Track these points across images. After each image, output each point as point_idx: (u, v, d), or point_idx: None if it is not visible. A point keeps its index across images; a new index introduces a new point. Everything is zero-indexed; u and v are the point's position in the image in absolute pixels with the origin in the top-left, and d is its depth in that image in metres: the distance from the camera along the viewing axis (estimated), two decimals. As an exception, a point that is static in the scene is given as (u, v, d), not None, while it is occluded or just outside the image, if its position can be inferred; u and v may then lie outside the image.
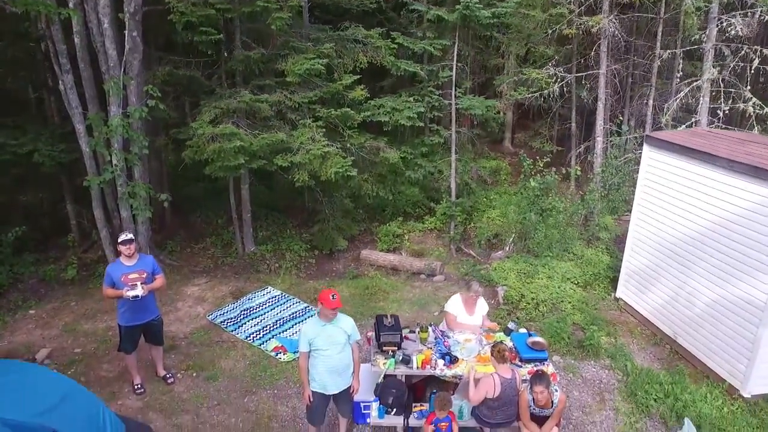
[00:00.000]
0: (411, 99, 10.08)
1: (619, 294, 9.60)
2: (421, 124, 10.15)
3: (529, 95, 12.06)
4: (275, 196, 13.59)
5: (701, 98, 11.31)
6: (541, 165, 10.43)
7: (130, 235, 6.29)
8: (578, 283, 10.03)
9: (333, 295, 5.20)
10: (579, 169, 10.85)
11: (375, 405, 5.73)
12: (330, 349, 5.25)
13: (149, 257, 6.60)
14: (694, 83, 11.30)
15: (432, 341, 6.50)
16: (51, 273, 9.67)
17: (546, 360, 6.39)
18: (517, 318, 8.47)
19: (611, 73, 11.92)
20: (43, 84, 10.78)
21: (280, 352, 7.64)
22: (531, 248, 11.01)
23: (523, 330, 6.90)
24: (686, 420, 6.48)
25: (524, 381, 5.74)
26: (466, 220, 12.66)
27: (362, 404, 6.19)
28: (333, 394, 5.46)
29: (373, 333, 6.45)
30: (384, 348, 6.08)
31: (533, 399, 5.47)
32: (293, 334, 8.14)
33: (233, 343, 7.89)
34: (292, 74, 8.35)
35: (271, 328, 8.29)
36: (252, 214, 11.04)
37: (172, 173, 14.12)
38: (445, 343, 6.33)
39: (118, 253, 6.42)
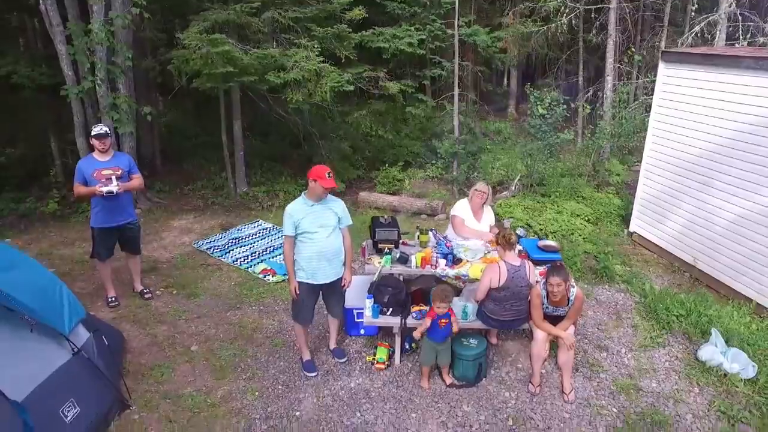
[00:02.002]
0: (412, 29, 9.47)
1: (632, 228, 9.02)
2: (422, 52, 9.54)
3: (536, 29, 11.41)
4: (272, 149, 13.04)
5: (717, 34, 10.68)
6: (549, 100, 9.81)
7: (106, 129, 5.73)
8: (589, 219, 9.46)
9: (329, 173, 4.63)
10: (588, 106, 10.22)
11: (369, 303, 5.16)
12: (318, 232, 4.69)
13: (125, 155, 6.06)
14: (710, 18, 10.67)
15: (433, 243, 5.94)
16: (31, 207, 9.14)
17: (557, 261, 5.81)
18: (527, 224, 7.88)
19: (622, 10, 11.29)
20: (23, 7, 10.20)
21: (269, 275, 7.08)
22: (537, 188, 10.44)
23: (532, 237, 6.33)
24: (714, 331, 5.90)
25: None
26: (469, 168, 12.09)
27: (355, 311, 5.65)
28: (322, 287, 4.89)
29: (369, 238, 5.91)
30: (380, 246, 5.51)
31: (547, 294, 4.89)
32: (284, 259, 7.57)
33: (218, 266, 7.35)
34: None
35: (261, 254, 7.74)
36: (247, 160, 10.48)
37: (165, 132, 13.70)
38: (448, 245, 5.76)
39: (91, 149, 5.87)
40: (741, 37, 10.70)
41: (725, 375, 5.47)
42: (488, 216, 6.43)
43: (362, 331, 5.74)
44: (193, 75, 8.01)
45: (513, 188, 10.57)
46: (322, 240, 4.70)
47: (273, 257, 7.64)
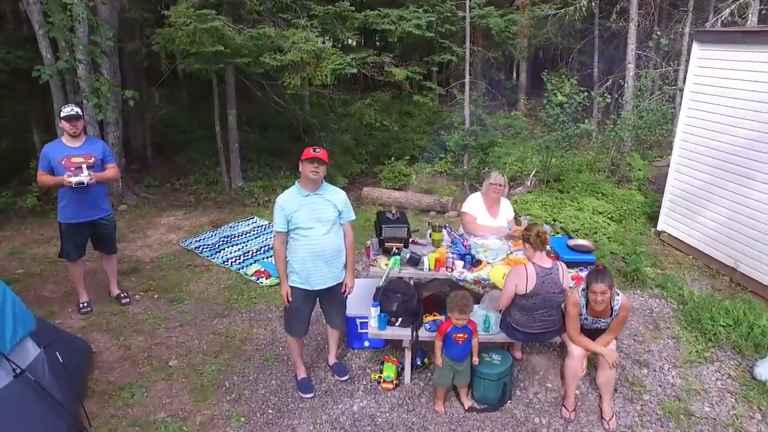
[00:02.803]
0: (420, 10, 8.73)
1: (660, 227, 8.25)
2: (431, 35, 8.80)
3: (552, 12, 10.63)
4: (270, 142, 12.31)
5: (750, 17, 9.90)
6: (568, 88, 9.05)
7: (77, 110, 4.98)
8: (612, 217, 8.73)
9: (315, 149, 3.91)
10: (608, 95, 9.46)
11: (374, 312, 4.42)
12: (314, 228, 3.95)
13: (99, 141, 5.32)
14: (738, 1, 9.89)
15: (448, 242, 5.20)
16: (8, 202, 8.43)
17: (593, 264, 5.07)
18: (554, 221, 7.13)
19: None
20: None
21: (262, 277, 6.35)
22: (554, 184, 9.70)
23: (560, 235, 5.58)
24: (771, 346, 5.16)
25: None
26: (480, 163, 11.34)
27: (358, 321, 4.91)
28: (319, 293, 4.15)
29: (374, 236, 5.17)
30: (387, 245, 4.77)
31: (586, 303, 4.14)
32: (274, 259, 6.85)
33: (207, 267, 6.62)
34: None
35: (254, 254, 7.01)
36: (242, 154, 9.74)
37: (159, 125, 13.02)
38: (465, 244, 5.02)
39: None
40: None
41: (788, 396, 4.74)
42: (506, 210, 5.68)
43: (366, 344, 5.00)
44: (181, 57, 7.28)
45: (528, 183, 9.82)
46: (318, 237, 3.97)
47: (267, 257, 6.91)
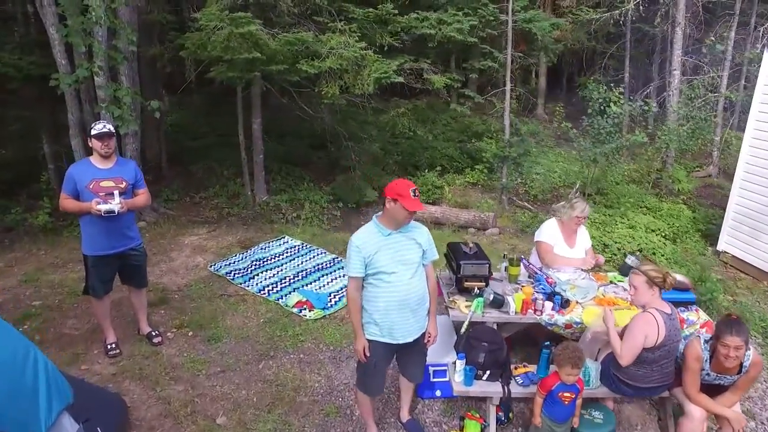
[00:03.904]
0: (460, 13, 8.13)
1: (722, 246, 7.68)
2: (474, 40, 8.22)
3: (597, 16, 10.05)
4: (289, 151, 11.69)
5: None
6: (616, 95, 8.46)
7: (110, 126, 4.37)
8: (666, 236, 8.15)
9: (414, 190, 3.28)
10: (654, 103, 8.90)
11: (459, 365, 3.81)
12: (398, 272, 3.34)
13: (131, 162, 4.70)
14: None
15: (527, 280, 4.62)
16: (17, 218, 7.80)
17: (693, 304, 4.49)
18: (639, 251, 6.54)
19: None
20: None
21: (305, 308, 5.73)
22: (599, 200, 9.12)
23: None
24: None
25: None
26: (512, 173, 10.75)
27: (432, 369, 4.31)
28: (400, 346, 3.54)
29: (447, 270, 4.58)
30: (466, 285, 4.17)
31: (710, 356, 3.55)
32: (321, 287, 6.26)
33: (242, 296, 5.99)
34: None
35: (292, 281, 6.39)
36: (265, 165, 9.13)
37: (170, 130, 12.39)
38: (549, 281, 4.42)
39: (89, 152, 4.54)
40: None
41: None
42: (583, 239, 5.12)
43: (438, 393, 4.39)
44: (209, 63, 6.66)
45: (572, 198, 9.21)
46: (403, 283, 3.36)
47: (306, 284, 6.30)
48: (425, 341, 3.65)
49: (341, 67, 6.57)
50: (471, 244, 4.35)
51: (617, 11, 9.79)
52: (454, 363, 3.94)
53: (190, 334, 5.19)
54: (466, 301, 4.17)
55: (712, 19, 11.20)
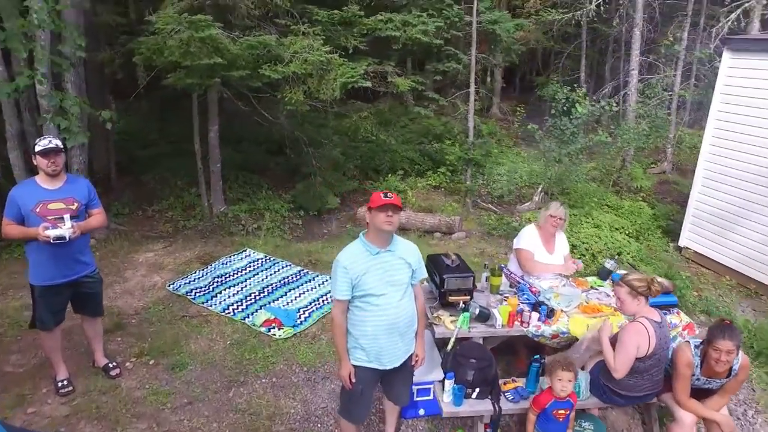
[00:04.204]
0: (424, 14, 7.95)
1: (683, 242, 7.82)
2: (440, 42, 8.06)
3: (560, 17, 10.11)
4: (247, 159, 11.22)
5: (750, 24, 9.65)
6: (580, 94, 8.50)
7: (57, 141, 3.93)
8: (630, 233, 8.23)
9: (386, 193, 3.08)
10: (614, 103, 9.01)
11: (448, 384, 3.61)
12: (387, 294, 3.12)
13: (83, 180, 4.25)
14: (744, 5, 9.59)
15: (509, 289, 4.48)
16: (-53, 242, 7.13)
17: (675, 306, 4.46)
18: (617, 254, 6.51)
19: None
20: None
21: (274, 327, 5.43)
22: (562, 199, 9.13)
23: (623, 271, 4.93)
24: None
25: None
26: (474, 176, 10.68)
27: (415, 387, 4.10)
28: (387, 371, 3.31)
29: (428, 283, 4.38)
30: (451, 299, 3.98)
31: (702, 363, 3.50)
32: (288, 303, 5.96)
33: (206, 317, 5.62)
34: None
35: (257, 297, 6.06)
36: (222, 173, 8.70)
37: (117, 138, 11.71)
38: (533, 290, 4.29)
39: (29, 167, 4.09)
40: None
41: None
42: (562, 245, 5.04)
43: (421, 411, 4.19)
44: (164, 69, 6.24)
45: (537, 198, 9.22)
46: (393, 306, 3.14)
47: (273, 301, 5.99)
48: (412, 363, 3.43)
49: (306, 71, 6.27)
50: (453, 256, 4.17)
51: (579, 12, 9.87)
52: (441, 382, 3.76)
53: (152, 362, 4.80)
54: (451, 316, 3.98)
55: (666, 21, 11.47)
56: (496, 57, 9.78)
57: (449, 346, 3.79)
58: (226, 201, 8.92)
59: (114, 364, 4.63)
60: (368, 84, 6.81)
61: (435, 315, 3.99)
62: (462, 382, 3.64)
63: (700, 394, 3.67)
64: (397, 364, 3.27)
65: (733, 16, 9.14)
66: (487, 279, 4.45)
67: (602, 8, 10.07)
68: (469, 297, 3.97)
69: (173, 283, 6.29)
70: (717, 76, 7.12)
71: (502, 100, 19.89)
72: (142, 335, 5.21)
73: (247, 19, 6.53)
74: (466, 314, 3.86)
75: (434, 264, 4.18)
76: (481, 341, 3.96)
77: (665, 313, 4.24)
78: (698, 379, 3.59)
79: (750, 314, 6.31)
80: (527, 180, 9.58)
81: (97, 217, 4.13)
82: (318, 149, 9.43)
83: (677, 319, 4.28)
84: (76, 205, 3.94)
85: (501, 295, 4.36)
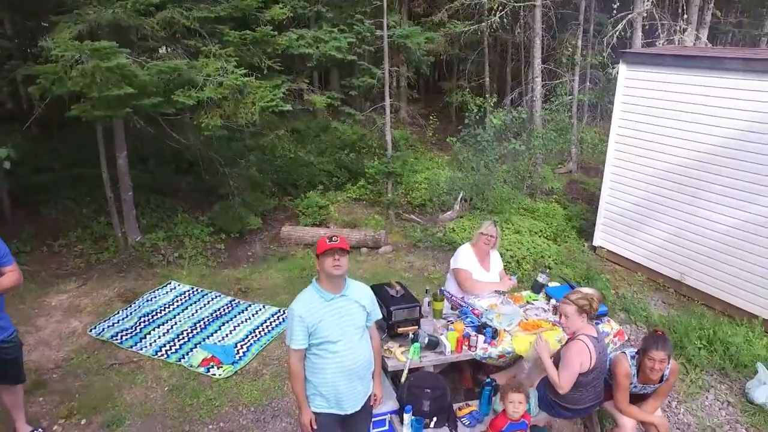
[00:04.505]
0: (335, 30, 7.93)
1: (597, 242, 8.36)
2: (353, 58, 8.09)
3: (466, 29, 10.48)
4: (154, 177, 10.66)
5: (634, 32, 10.50)
6: (491, 104, 8.86)
7: None
8: (548, 236, 8.68)
9: (332, 237, 3.07)
10: (523, 110, 9.48)
11: (407, 418, 3.64)
12: (344, 339, 3.10)
13: None
14: (628, 16, 10.43)
15: (452, 313, 4.58)
16: None
17: (606, 316, 4.76)
18: (548, 268, 6.79)
19: (546, 7, 10.73)
20: None
21: (212, 366, 5.22)
22: (481, 206, 9.47)
23: (555, 283, 5.21)
24: (760, 366, 5.24)
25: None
26: (396, 187, 10.80)
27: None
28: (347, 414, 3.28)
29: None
30: (400, 331, 4.02)
31: (638, 371, 3.78)
32: (224, 338, 5.75)
33: (137, 363, 5.30)
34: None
35: (190, 335, 5.80)
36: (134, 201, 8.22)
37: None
38: (475, 312, 4.43)
39: None
40: (660, 35, 10.65)
41: (789, 417, 4.83)
42: (496, 262, 5.23)
43: (377, 442, 4.19)
44: (65, 98, 5.77)
45: (457, 207, 9.49)
46: (350, 351, 3.12)
47: (208, 337, 5.75)
48: (371, 404, 3.44)
49: (221, 95, 6.06)
50: (397, 286, 4.20)
51: (484, 23, 10.29)
52: (398, 416, 3.78)
53: (83, 422, 4.46)
54: (401, 346, 4.02)
55: (561, 28, 12.23)
56: (409, 69, 9.99)
57: (403, 378, 3.82)
58: (141, 229, 8.43)
59: (40, 430, 4.25)
60: (288, 107, 6.68)
61: (385, 347, 4.01)
62: (419, 414, 3.68)
63: (636, 398, 3.97)
64: (358, 408, 3.26)
65: (620, 26, 9.91)
66: (429, 304, 4.53)
67: (505, 19, 10.58)
68: (417, 327, 4.02)
69: (95, 327, 5.87)
70: (609, 80, 7.65)
71: (408, 103, 20.31)
72: (67, 392, 4.82)
73: (152, 40, 6.19)
74: (417, 344, 3.91)
75: (379, 296, 4.17)
76: (431, 369, 4.03)
77: (597, 323, 4.54)
78: (635, 387, 3.88)
79: (661, 306, 6.87)
80: (445, 187, 9.82)
81: (11, 275, 3.76)
82: (234, 168, 9.14)
83: (608, 327, 4.58)
84: (-15, 265, 3.58)
85: (445, 319, 4.46)
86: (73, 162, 11.05)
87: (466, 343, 4.09)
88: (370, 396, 3.39)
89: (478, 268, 4.98)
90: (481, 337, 4.13)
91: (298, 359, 3.12)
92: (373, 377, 3.39)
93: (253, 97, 6.17)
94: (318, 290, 3.11)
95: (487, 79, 13.92)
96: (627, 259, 7.84)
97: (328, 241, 3.06)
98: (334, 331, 3.06)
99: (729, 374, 5.45)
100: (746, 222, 6.29)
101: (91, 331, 5.81)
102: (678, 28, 10.31)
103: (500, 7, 9.95)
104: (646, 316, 6.47)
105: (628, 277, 7.63)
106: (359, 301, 3.20)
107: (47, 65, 5.33)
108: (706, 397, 5.16)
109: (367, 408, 3.39)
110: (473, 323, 4.30)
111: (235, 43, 6.53)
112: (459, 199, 9.51)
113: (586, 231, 8.92)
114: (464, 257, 4.96)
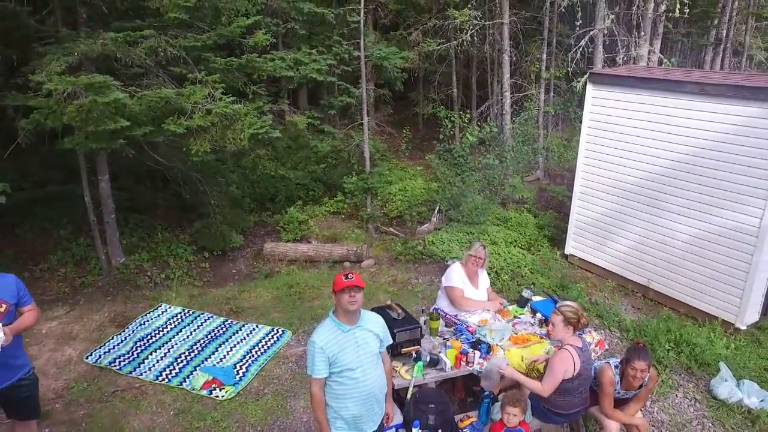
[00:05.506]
0: (314, 51, 8.16)
1: (569, 251, 8.81)
2: (333, 79, 8.33)
3: (438, 46, 10.87)
4: (131, 197, 10.61)
5: (596, 48, 11.07)
6: (466, 119, 9.23)
7: None
8: (522, 246, 9.10)
9: (348, 274, 3.32)
10: (495, 125, 9.91)
11: (415, 433, 3.93)
12: (363, 367, 3.36)
13: (9, 277, 3.92)
14: (590, 33, 11.00)
15: (447, 330, 4.89)
16: None
17: (587, 326, 5.13)
18: (533, 284, 7.16)
19: (513, 24, 11.21)
20: None
21: (214, 388, 5.39)
22: (456, 217, 9.82)
23: (538, 297, 5.57)
24: (722, 365, 5.74)
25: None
26: (374, 200, 11.06)
27: None
28: (364, 434, 3.55)
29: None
30: (404, 351, 4.30)
31: (621, 379, 4.17)
32: (222, 360, 5.91)
33: (139, 389, 5.41)
34: (175, 8, 5.91)
35: (188, 358, 5.93)
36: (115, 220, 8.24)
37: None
38: (469, 329, 4.75)
39: None
40: (620, 50, 11.24)
41: (749, 411, 5.31)
42: (484, 280, 5.57)
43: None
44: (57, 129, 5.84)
45: (434, 219, 9.83)
46: (368, 377, 3.39)
47: (206, 359, 5.90)
48: (384, 422, 3.71)
49: (210, 122, 6.21)
50: (398, 309, 4.49)
51: (455, 42, 10.70)
52: (404, 426, 4.06)
53: (94, 451, 4.59)
54: (404, 365, 4.30)
55: (527, 42, 12.77)
56: (384, 88, 10.30)
57: (409, 395, 4.10)
58: (124, 250, 8.46)
59: (54, 460, 4.36)
60: (277, 134, 6.88)
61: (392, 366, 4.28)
62: (426, 428, 3.97)
63: (619, 402, 4.36)
64: (375, 428, 3.52)
65: (582, 42, 10.45)
66: (426, 323, 4.83)
67: (474, 37, 11.02)
68: (418, 346, 4.31)
69: (91, 354, 5.94)
70: (574, 92, 8.09)
71: (375, 111, 20.63)
72: (73, 421, 4.92)
73: (137, 67, 6.29)
74: (420, 363, 4.19)
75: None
76: (434, 385, 4.32)
77: (580, 334, 4.92)
78: (618, 393, 4.27)
79: (631, 311, 7.34)
80: (420, 197, 10.15)
81: (30, 314, 3.87)
82: (214, 187, 9.25)
83: (590, 338, 4.97)
84: (4, 307, 3.69)
85: (441, 337, 4.76)
86: (44, 181, 10.90)
87: (464, 359, 4.40)
88: (383, 417, 3.66)
89: (468, 286, 5.29)
90: (477, 353, 4.44)
91: (319, 387, 3.37)
92: (385, 397, 3.66)
93: (242, 124, 6.34)
94: (336, 323, 3.37)
95: (455, 90, 14.35)
96: (598, 266, 8.31)
97: (344, 278, 3.30)
98: (353, 360, 3.32)
99: (695, 373, 5.92)
100: (704, 231, 6.81)
101: (87, 358, 5.88)
102: (635, 41, 10.92)
103: (470, 27, 10.38)
104: (618, 322, 6.92)
105: (599, 283, 8.10)
106: (373, 330, 3.46)
107: (40, 99, 5.39)
108: (676, 395, 5.61)
109: (381, 426, 3.66)
110: (468, 340, 4.62)
111: (221, 70, 6.69)
112: (435, 211, 9.85)
113: (557, 239, 9.37)
114: (456, 276, 5.27)
